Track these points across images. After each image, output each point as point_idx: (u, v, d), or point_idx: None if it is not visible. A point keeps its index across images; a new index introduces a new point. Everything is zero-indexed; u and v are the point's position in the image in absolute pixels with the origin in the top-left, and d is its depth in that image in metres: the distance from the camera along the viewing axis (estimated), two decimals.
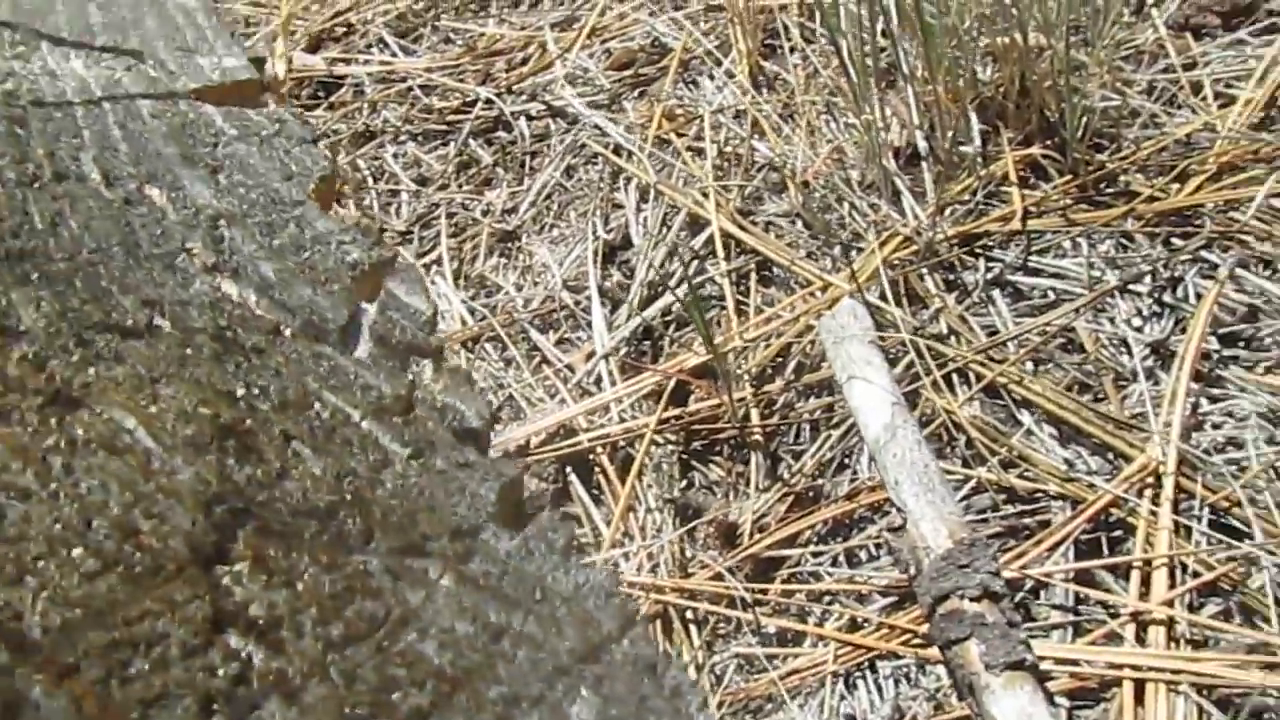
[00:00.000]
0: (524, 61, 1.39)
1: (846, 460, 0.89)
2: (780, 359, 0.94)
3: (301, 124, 0.48)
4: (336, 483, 0.31)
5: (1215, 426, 0.83)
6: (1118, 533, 0.79)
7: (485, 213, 1.22)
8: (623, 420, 0.94)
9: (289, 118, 0.49)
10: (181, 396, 0.32)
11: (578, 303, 1.05)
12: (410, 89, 1.40)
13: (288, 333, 0.36)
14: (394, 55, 1.46)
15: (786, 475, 0.89)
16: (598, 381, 0.99)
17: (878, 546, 0.84)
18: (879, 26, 1.11)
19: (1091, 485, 0.81)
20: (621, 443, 0.93)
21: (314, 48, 1.50)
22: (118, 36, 0.56)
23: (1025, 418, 0.86)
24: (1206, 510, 0.78)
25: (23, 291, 0.35)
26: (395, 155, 1.35)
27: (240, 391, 0.33)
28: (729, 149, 1.14)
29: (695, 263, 1.04)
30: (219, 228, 0.41)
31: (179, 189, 0.43)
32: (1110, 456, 0.83)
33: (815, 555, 0.84)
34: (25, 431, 0.29)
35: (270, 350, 0.35)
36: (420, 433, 0.33)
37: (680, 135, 1.18)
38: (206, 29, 0.58)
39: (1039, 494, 0.82)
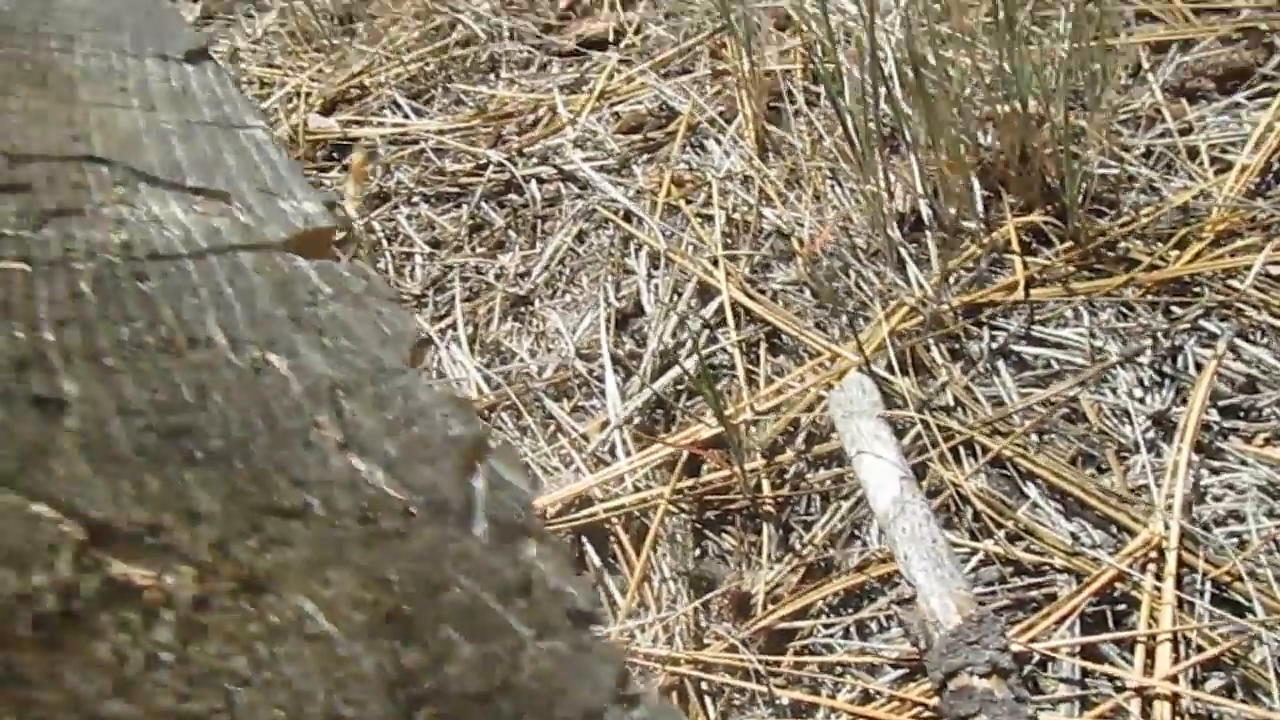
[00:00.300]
0: (534, 124, 1.42)
1: (857, 532, 0.91)
2: (791, 430, 0.96)
3: (385, 282, 0.51)
4: (485, 667, 0.33)
5: (1216, 499, 0.85)
6: (1122, 607, 0.81)
7: (498, 276, 1.25)
8: (637, 490, 0.97)
9: (373, 274, 0.52)
10: (346, 581, 0.34)
11: (591, 370, 1.08)
12: (423, 151, 1.43)
13: (416, 513, 0.39)
14: (406, 117, 1.49)
15: (798, 546, 0.91)
16: (611, 450, 1.01)
17: (888, 618, 0.86)
18: (881, 93, 1.14)
19: (1096, 559, 0.83)
20: (636, 513, 0.95)
21: (328, 110, 1.53)
22: (203, 176, 0.59)
23: (1031, 490, 0.88)
24: (1209, 584, 0.80)
25: (195, 472, 0.37)
26: (409, 217, 1.38)
27: (393, 577, 0.36)
28: (737, 215, 1.17)
29: (706, 331, 1.06)
30: (338, 400, 0.43)
31: (295, 356, 0.46)
32: (1114, 530, 0.85)
33: (827, 627, 0.86)
34: (231, 618, 0.31)
35: (408, 533, 0.38)
36: (541, 615, 0.36)
37: (689, 201, 1.20)
38: (280, 166, 0.60)
39: (1045, 567, 0.84)
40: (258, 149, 0.73)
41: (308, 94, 1.54)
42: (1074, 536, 0.85)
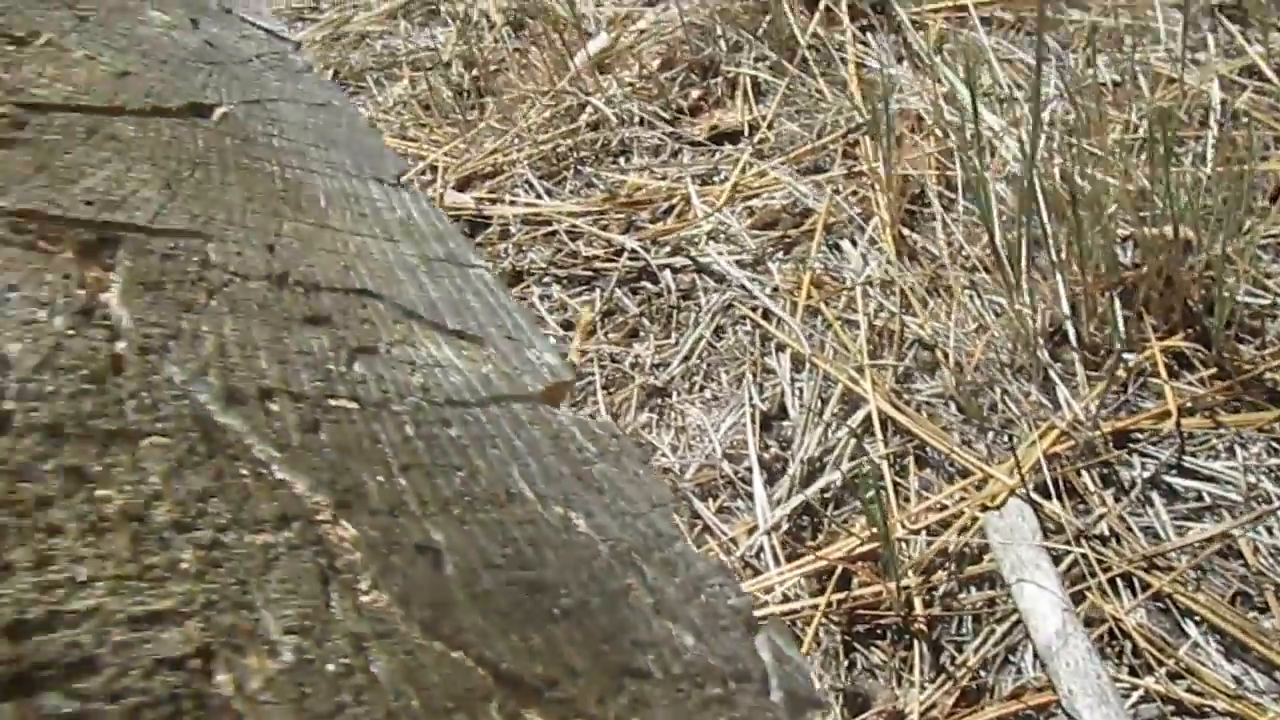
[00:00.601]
0: (667, 212, 1.45)
1: (1010, 657, 0.92)
2: (943, 548, 0.98)
3: (633, 441, 0.54)
4: None
5: None
6: None
7: (634, 366, 1.28)
8: (787, 599, 0.99)
9: (620, 431, 0.55)
10: None
11: (736, 472, 1.10)
12: (555, 232, 1.47)
13: (733, 685, 0.41)
14: (539, 197, 1.53)
15: (950, 666, 0.93)
16: (758, 554, 1.03)
17: None
18: (1028, 204, 1.16)
19: (1260, 705, 0.84)
20: (786, 622, 0.97)
21: (463, 186, 1.58)
22: (457, 318, 0.62)
23: (1191, 628, 0.89)
24: None
25: (559, 628, 0.40)
26: (541, 298, 1.41)
27: None
28: (879, 322, 1.19)
29: (853, 441, 1.08)
30: (637, 563, 0.46)
31: (591, 516, 0.49)
32: (1277, 676, 0.85)
33: None
34: None
35: (729, 699, 0.40)
36: None
37: (829, 305, 1.23)
38: (515, 312, 0.64)
39: (1207, 709, 0.85)
40: (490, 291, 0.76)
41: (444, 169, 1.59)
42: (1237, 680, 0.86)
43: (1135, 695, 0.87)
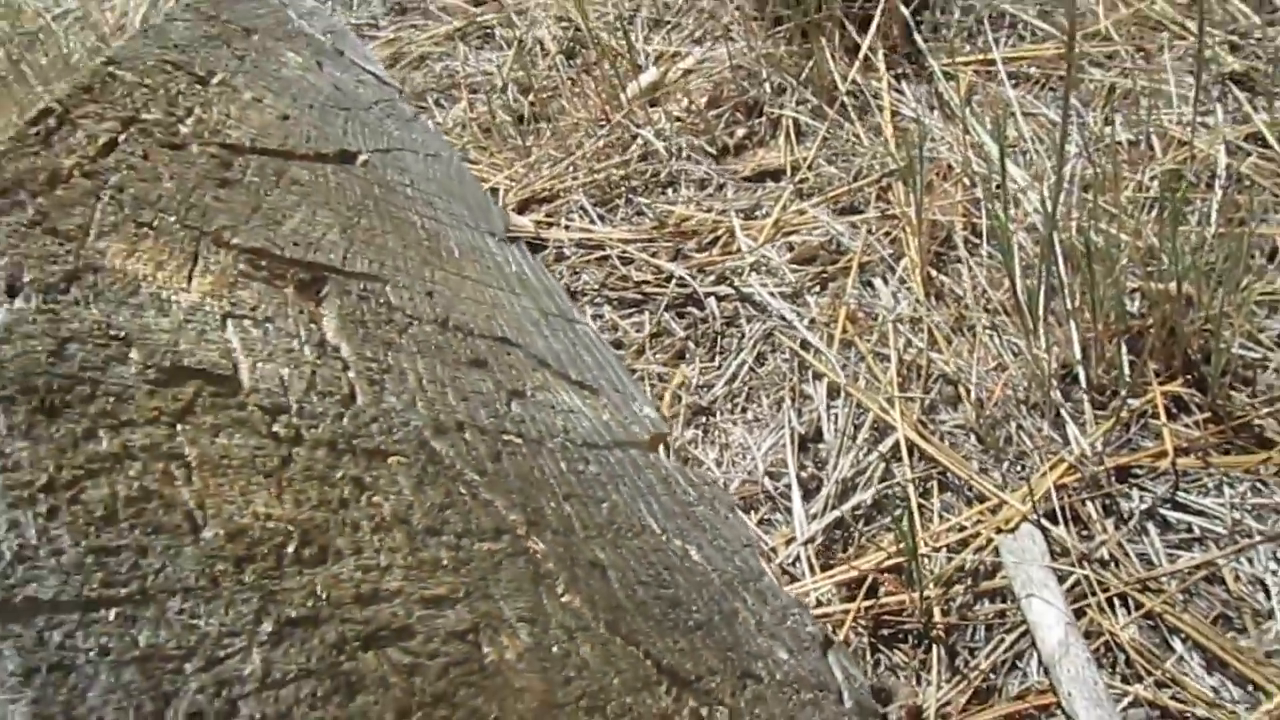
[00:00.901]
0: (713, 244, 1.58)
1: (1018, 663, 1.05)
2: (961, 564, 1.11)
3: (723, 489, 0.67)
4: None
5: None
6: None
7: (681, 385, 1.40)
8: (820, 605, 1.11)
9: (712, 480, 0.68)
10: None
11: (776, 488, 1.23)
12: (608, 257, 1.60)
13: (819, 694, 0.54)
14: (592, 223, 1.66)
15: (963, 669, 1.05)
16: (795, 563, 1.16)
17: None
18: (1047, 257, 1.29)
19: (1234, 713, 0.96)
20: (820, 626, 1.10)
21: (522, 209, 1.70)
22: (576, 369, 0.75)
23: (1177, 644, 1.02)
24: None
25: (696, 637, 0.53)
26: (594, 317, 1.54)
27: None
28: (908, 357, 1.32)
29: (883, 465, 1.21)
30: (740, 591, 0.59)
31: (701, 549, 0.61)
32: (1251, 688, 0.98)
33: None
34: None
35: (819, 703, 0.53)
36: None
37: (863, 339, 1.35)
38: (617, 367, 0.77)
39: (1189, 715, 0.97)
40: (596, 347, 0.89)
41: (505, 191, 1.72)
42: (1215, 690, 0.98)
43: (1126, 700, 1.00)
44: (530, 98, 1.96)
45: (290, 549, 0.48)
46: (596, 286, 1.56)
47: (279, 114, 1.04)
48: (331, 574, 0.48)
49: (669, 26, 2.04)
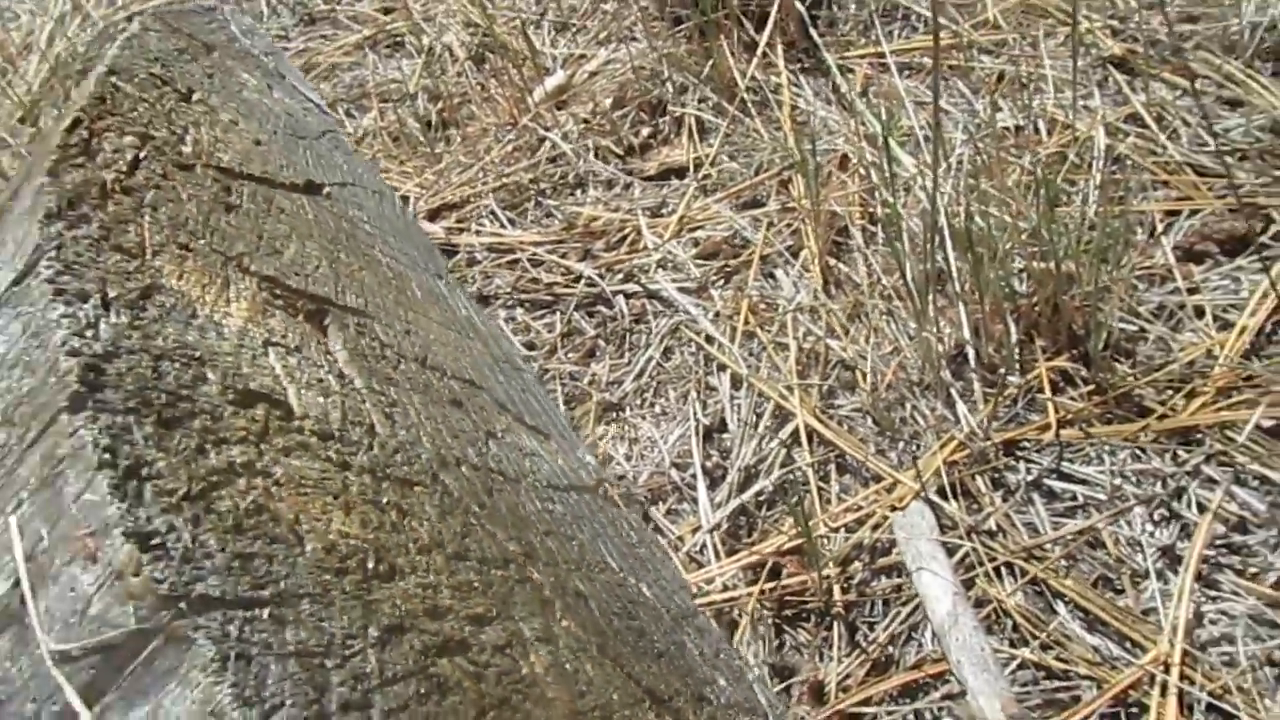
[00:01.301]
0: (620, 243, 1.61)
1: (913, 634, 1.09)
2: (858, 543, 1.15)
3: (652, 530, 0.70)
4: None
5: (1212, 623, 1.04)
6: (1135, 710, 1.00)
7: (591, 383, 1.43)
8: (726, 589, 1.15)
9: (646, 526, 0.72)
10: None
11: (682, 479, 1.26)
12: (518, 260, 1.62)
13: (753, 717, 0.58)
14: (503, 226, 1.68)
15: (863, 643, 1.10)
16: (702, 551, 1.19)
17: (940, 710, 1.04)
18: (933, 243, 1.33)
19: (1114, 668, 1.01)
20: (725, 608, 1.14)
21: (433, 217, 1.72)
22: (530, 415, 0.78)
23: (1060, 607, 1.07)
24: (1206, 695, 0.98)
25: (661, 663, 0.56)
26: (506, 320, 1.56)
27: None
28: (807, 345, 1.36)
29: (784, 451, 1.25)
30: (684, 625, 0.62)
31: (649, 586, 0.65)
32: (1129, 645, 1.03)
33: (890, 714, 1.04)
34: None
35: None
36: None
37: (764, 330, 1.39)
38: (559, 416, 0.80)
39: (1072, 673, 1.02)
40: (537, 394, 0.91)
41: (415, 199, 1.74)
42: (1095, 649, 1.03)
43: (1014, 664, 1.05)
44: (440, 105, 1.98)
45: (370, 565, 0.52)
46: (508, 290, 1.59)
47: (253, 138, 1.05)
48: (401, 589, 0.51)
49: (574, 30, 2.07)
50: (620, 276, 1.55)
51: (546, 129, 1.81)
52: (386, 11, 2.34)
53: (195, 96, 1.02)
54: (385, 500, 0.66)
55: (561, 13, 2.11)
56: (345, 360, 0.80)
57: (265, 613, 0.54)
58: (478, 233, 1.68)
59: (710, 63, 1.77)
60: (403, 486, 0.67)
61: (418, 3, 2.32)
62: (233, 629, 0.53)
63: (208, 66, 1.14)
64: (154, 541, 0.55)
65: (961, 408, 1.23)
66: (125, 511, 0.56)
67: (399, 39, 2.24)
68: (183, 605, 0.53)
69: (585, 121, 1.81)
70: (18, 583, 0.60)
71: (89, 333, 0.65)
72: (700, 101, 1.75)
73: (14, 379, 0.67)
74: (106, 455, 0.59)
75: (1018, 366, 1.28)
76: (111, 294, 0.69)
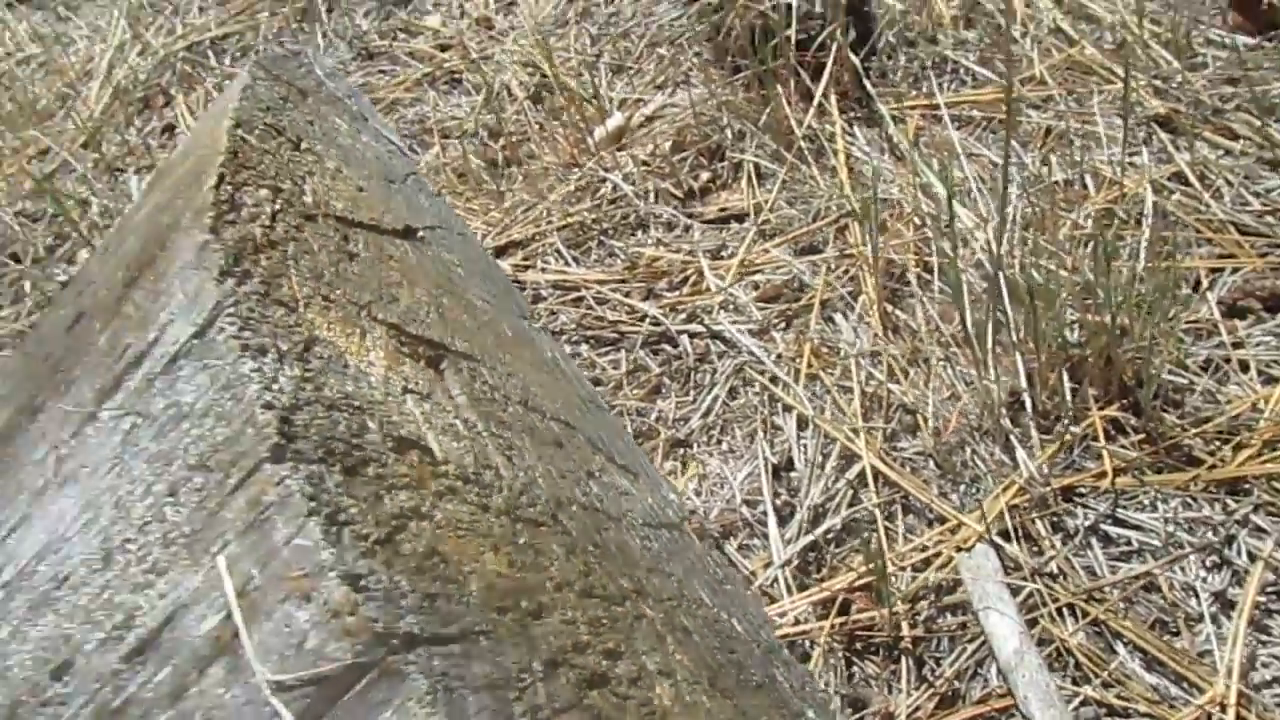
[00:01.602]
0: (682, 283, 1.68)
1: (979, 670, 1.15)
2: (925, 582, 1.21)
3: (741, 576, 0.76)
4: None
5: (1265, 666, 1.10)
6: None
7: (658, 419, 1.50)
8: (797, 623, 1.21)
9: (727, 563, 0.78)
10: None
11: (753, 515, 1.33)
12: (583, 298, 1.69)
13: None
14: (567, 265, 1.75)
15: (930, 677, 1.16)
16: (773, 585, 1.26)
17: None
18: (992, 295, 1.40)
19: (1173, 707, 1.07)
20: (798, 641, 1.20)
21: (499, 253, 1.79)
22: (619, 453, 0.84)
23: (1119, 648, 1.13)
24: None
25: (760, 695, 0.62)
26: (573, 355, 1.63)
27: None
28: (869, 389, 1.43)
29: (850, 491, 1.31)
30: (774, 660, 0.69)
31: (739, 621, 0.71)
32: (1186, 685, 1.09)
33: None
34: None
35: None
36: None
37: (827, 373, 1.46)
38: (641, 454, 0.86)
39: (1132, 711, 1.09)
40: (624, 434, 0.97)
41: (484, 235, 1.81)
42: (1154, 688, 1.10)
43: (1076, 700, 1.11)
44: (501, 142, 2.05)
45: (523, 603, 0.58)
46: (574, 326, 1.66)
47: (355, 185, 1.10)
48: (549, 626, 0.57)
49: (631, 72, 2.14)
50: (683, 316, 1.62)
51: (607, 170, 1.88)
52: (443, 48, 2.42)
53: (304, 145, 1.08)
54: (522, 540, 0.72)
55: (618, 55, 2.19)
56: (465, 404, 0.86)
57: (456, 649, 0.60)
58: (543, 270, 1.75)
59: (768, 109, 1.84)
60: (532, 527, 0.73)
61: (473, 40, 2.40)
62: (436, 664, 0.59)
63: (307, 113, 1.20)
64: (362, 583, 0.62)
65: (1021, 454, 1.30)
66: (337, 556, 0.63)
67: (456, 76, 2.32)
68: (394, 642, 0.60)
69: (645, 164, 1.89)
70: (228, 616, 0.66)
71: (274, 386, 0.71)
72: (758, 148, 1.83)
73: (206, 428, 0.73)
74: (312, 503, 0.65)
75: (1071, 415, 1.35)
76: (283, 347, 0.75)
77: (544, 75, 2.15)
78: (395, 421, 0.75)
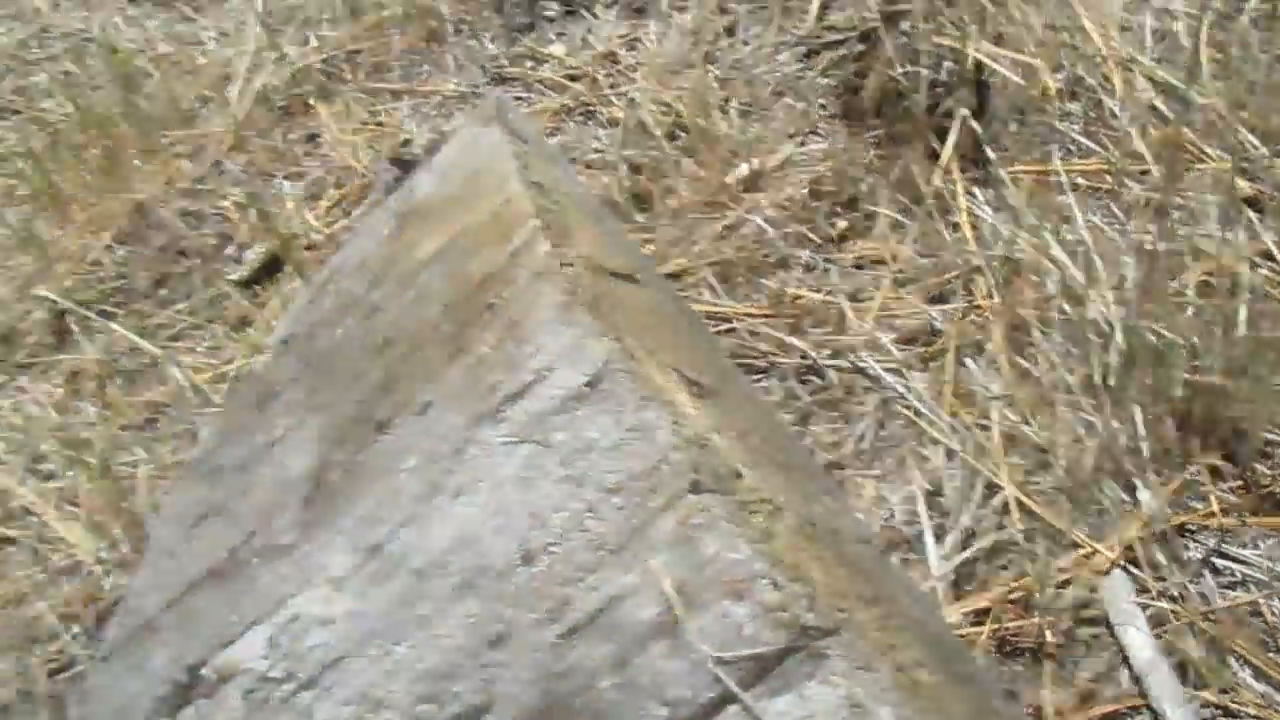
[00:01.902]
0: (826, 321, 1.90)
1: (1112, 673, 1.39)
2: (1067, 599, 1.45)
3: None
4: None
5: None
6: None
7: (812, 444, 1.73)
8: (957, 629, 1.45)
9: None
10: None
11: (910, 533, 1.56)
12: (735, 329, 1.92)
13: None
14: (718, 298, 1.98)
15: (1070, 679, 1.40)
16: (931, 594, 1.49)
17: None
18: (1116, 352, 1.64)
19: (1276, 711, 1.32)
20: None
21: None
22: (824, 482, 1.06)
23: (1233, 662, 1.37)
24: None
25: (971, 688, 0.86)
26: None
27: None
28: (1004, 428, 1.66)
29: (996, 518, 1.55)
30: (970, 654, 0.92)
31: (943, 630, 0.94)
32: None
33: None
34: None
35: None
36: None
37: (966, 411, 1.69)
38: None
39: (1244, 713, 1.33)
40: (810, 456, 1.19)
41: None
42: (1262, 695, 1.34)
43: (1196, 703, 1.35)
44: (642, 176, 2.27)
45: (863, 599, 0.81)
46: (729, 356, 1.88)
47: (591, 233, 1.29)
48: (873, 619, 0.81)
49: (758, 118, 2.36)
50: (828, 352, 1.85)
51: (748, 212, 2.11)
52: (573, 79, 2.63)
53: (553, 198, 1.26)
54: (820, 556, 0.95)
55: (745, 100, 2.41)
56: (736, 438, 1.09)
57: (840, 635, 0.83)
58: (696, 302, 1.97)
59: (898, 166, 2.07)
60: (815, 545, 0.96)
61: (602, 73, 2.61)
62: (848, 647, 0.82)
63: (532, 155, 1.39)
64: (783, 588, 0.84)
65: (1142, 494, 1.54)
66: (769, 567, 0.85)
67: (590, 108, 2.53)
68: (813, 630, 0.83)
69: (783, 208, 2.11)
70: (667, 608, 0.89)
71: (673, 427, 0.94)
72: (890, 201, 2.05)
73: (615, 463, 0.95)
74: (738, 527, 0.88)
75: (1180, 462, 1.59)
76: (665, 399, 0.97)
77: (679, 115, 2.37)
78: (720, 457, 0.97)
